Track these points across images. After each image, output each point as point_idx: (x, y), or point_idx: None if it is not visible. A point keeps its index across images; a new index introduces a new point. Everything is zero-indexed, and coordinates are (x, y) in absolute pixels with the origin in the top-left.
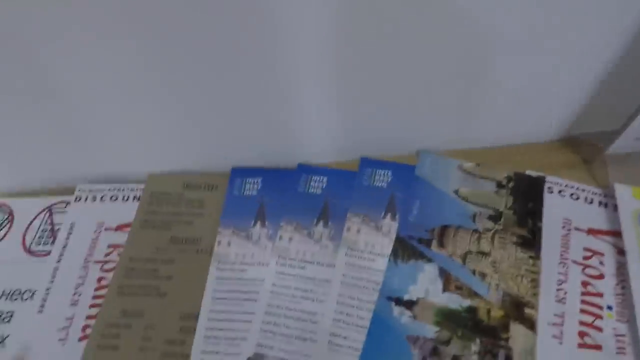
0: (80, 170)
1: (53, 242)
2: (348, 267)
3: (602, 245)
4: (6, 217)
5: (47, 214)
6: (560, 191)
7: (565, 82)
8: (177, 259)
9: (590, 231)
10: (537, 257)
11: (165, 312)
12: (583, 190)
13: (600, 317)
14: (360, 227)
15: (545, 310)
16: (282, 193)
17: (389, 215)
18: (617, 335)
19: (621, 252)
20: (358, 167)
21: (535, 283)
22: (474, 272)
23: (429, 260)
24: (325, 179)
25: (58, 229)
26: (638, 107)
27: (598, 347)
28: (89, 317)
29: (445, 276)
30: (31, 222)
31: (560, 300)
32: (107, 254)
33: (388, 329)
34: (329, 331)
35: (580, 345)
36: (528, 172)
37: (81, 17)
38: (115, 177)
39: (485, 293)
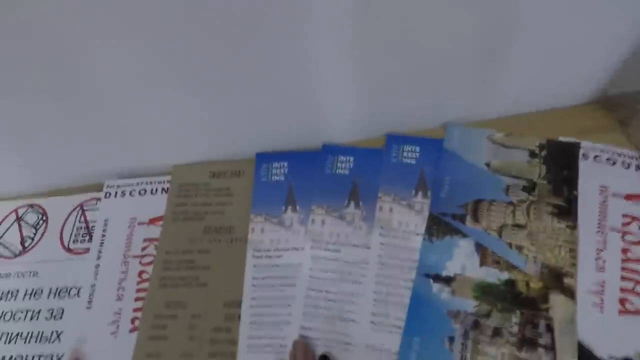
0: (106, 166)
1: (89, 239)
2: (383, 247)
3: None
4: (41, 217)
5: (80, 212)
6: (595, 157)
7: (602, 36)
8: (213, 248)
9: (628, 197)
10: (574, 226)
11: (208, 302)
12: (619, 154)
13: None
14: (392, 206)
15: (584, 280)
16: (310, 176)
17: (420, 193)
18: None
19: None
20: (384, 144)
21: (573, 253)
22: (510, 246)
23: (464, 235)
24: (351, 159)
25: (93, 227)
26: None
27: (639, 313)
28: (135, 310)
29: (481, 251)
30: (65, 221)
31: (600, 269)
32: (143, 248)
33: (428, 306)
34: (370, 311)
35: (621, 312)
36: (561, 138)
37: (105, 9)
38: (140, 170)
39: (523, 265)
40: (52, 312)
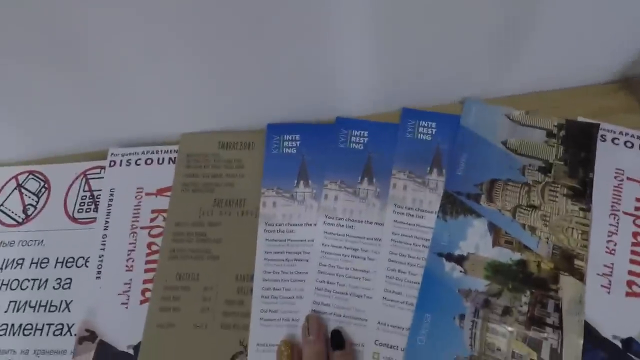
0: (111, 133)
1: (95, 209)
2: (397, 225)
3: None
4: (43, 184)
5: (83, 180)
6: (613, 139)
7: (628, 14)
8: (224, 221)
9: None
10: (588, 209)
11: (221, 274)
12: (638, 137)
13: None
14: (407, 184)
15: (594, 262)
16: (323, 150)
17: (435, 170)
18: None
19: None
20: (399, 118)
21: (585, 235)
22: (524, 227)
23: (478, 215)
24: (366, 133)
25: (98, 196)
26: None
27: None
28: (145, 282)
29: (494, 231)
30: (69, 189)
31: (610, 252)
32: (152, 220)
33: (440, 284)
34: (383, 287)
35: (628, 294)
36: (580, 118)
37: None
38: (147, 138)
39: (535, 246)
40: (60, 282)
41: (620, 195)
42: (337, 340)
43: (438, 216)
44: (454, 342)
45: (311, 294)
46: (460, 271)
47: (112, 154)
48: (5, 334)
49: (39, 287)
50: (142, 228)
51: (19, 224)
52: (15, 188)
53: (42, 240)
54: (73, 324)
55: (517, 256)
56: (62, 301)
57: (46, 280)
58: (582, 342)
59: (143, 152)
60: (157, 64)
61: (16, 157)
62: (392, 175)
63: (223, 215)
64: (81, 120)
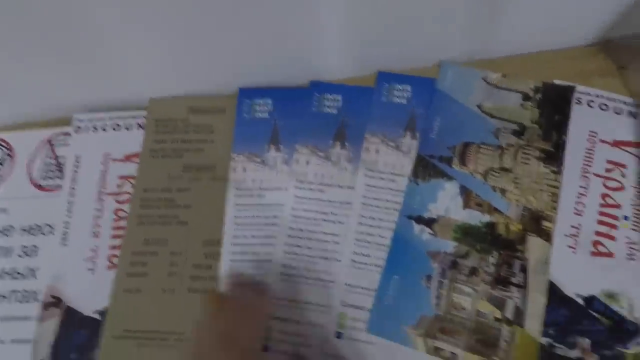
0: (75, 99)
1: (61, 176)
2: (368, 188)
3: (626, 156)
4: (7, 152)
5: (48, 147)
6: (589, 102)
7: None
8: (193, 187)
9: (616, 143)
10: (558, 171)
11: (189, 240)
12: (613, 100)
13: (615, 227)
14: (379, 147)
15: (562, 223)
16: (295, 114)
17: (408, 134)
18: (629, 243)
19: None
20: (375, 82)
21: (555, 197)
22: (494, 189)
23: (450, 178)
24: (340, 97)
25: (63, 163)
26: None
27: (610, 255)
28: (112, 248)
29: (465, 193)
30: (33, 156)
31: (579, 213)
32: (119, 186)
33: (409, 246)
34: (352, 250)
35: (594, 254)
36: (556, 81)
37: None
38: (114, 103)
39: (506, 209)
40: (25, 250)
41: (591, 158)
42: None
43: (410, 179)
44: (420, 302)
45: (280, 257)
46: (430, 233)
47: (77, 120)
48: None
49: (4, 255)
50: (109, 194)
51: None
52: None
53: (6, 209)
54: (39, 291)
55: (486, 218)
56: (27, 268)
57: (11, 248)
58: (545, 300)
59: (110, 118)
60: (124, 25)
61: None
62: (364, 139)
63: (192, 181)
64: (45, 85)
